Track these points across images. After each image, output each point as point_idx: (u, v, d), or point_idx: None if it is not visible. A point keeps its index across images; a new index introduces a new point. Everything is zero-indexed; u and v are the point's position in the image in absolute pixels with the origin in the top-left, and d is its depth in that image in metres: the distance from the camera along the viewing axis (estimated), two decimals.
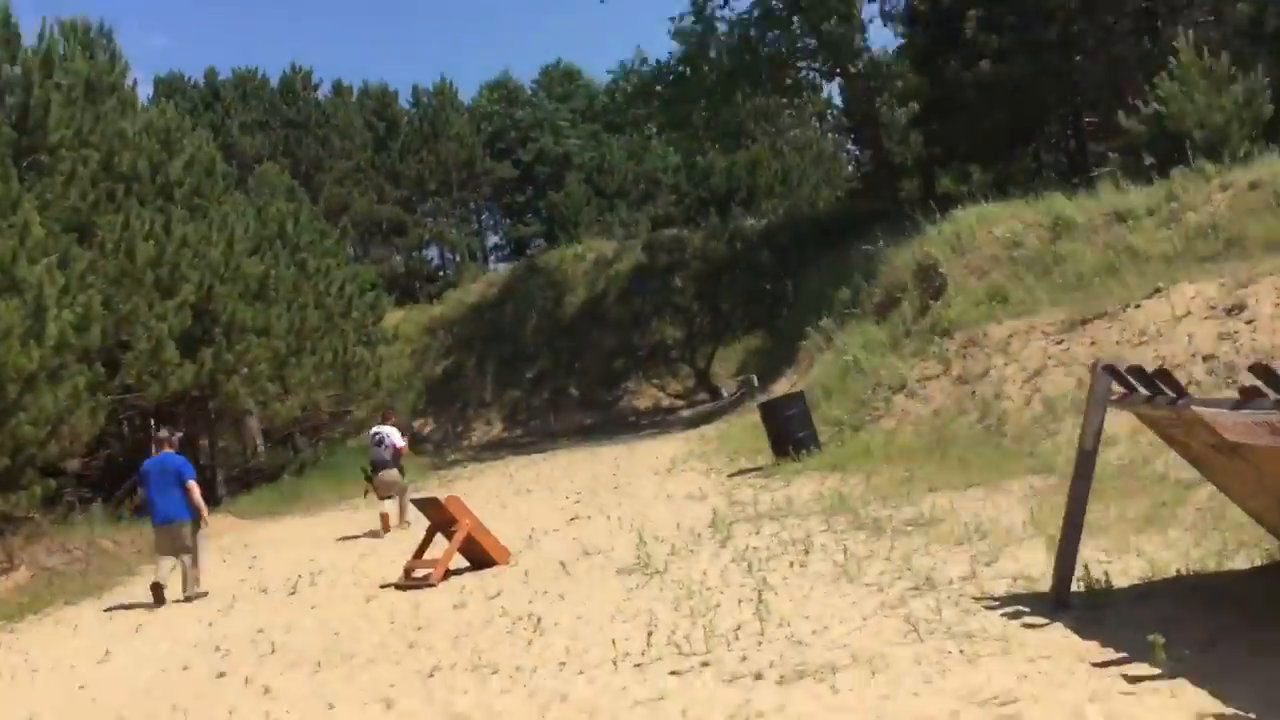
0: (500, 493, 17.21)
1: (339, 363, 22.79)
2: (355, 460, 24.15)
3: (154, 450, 13.02)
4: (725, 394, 29.54)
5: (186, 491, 11.51)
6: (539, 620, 7.38)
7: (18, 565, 14.13)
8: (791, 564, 7.63)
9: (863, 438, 13.27)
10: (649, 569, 8.41)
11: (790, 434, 13.35)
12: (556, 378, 31.77)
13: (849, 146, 62.45)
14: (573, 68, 64.25)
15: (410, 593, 9.56)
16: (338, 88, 58.31)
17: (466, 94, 61.94)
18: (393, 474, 15.34)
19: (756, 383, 22.43)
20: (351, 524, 16.53)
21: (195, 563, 11.61)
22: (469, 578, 9.74)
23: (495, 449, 29.26)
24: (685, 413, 29.06)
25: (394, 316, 33.08)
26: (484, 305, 34.98)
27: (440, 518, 10.19)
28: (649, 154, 57.65)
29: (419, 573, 10.02)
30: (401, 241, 55.89)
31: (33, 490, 14.39)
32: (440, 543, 10.25)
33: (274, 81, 55.12)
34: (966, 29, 21.81)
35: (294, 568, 12.51)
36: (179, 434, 14.38)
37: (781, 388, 21.22)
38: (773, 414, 13.80)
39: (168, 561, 11.46)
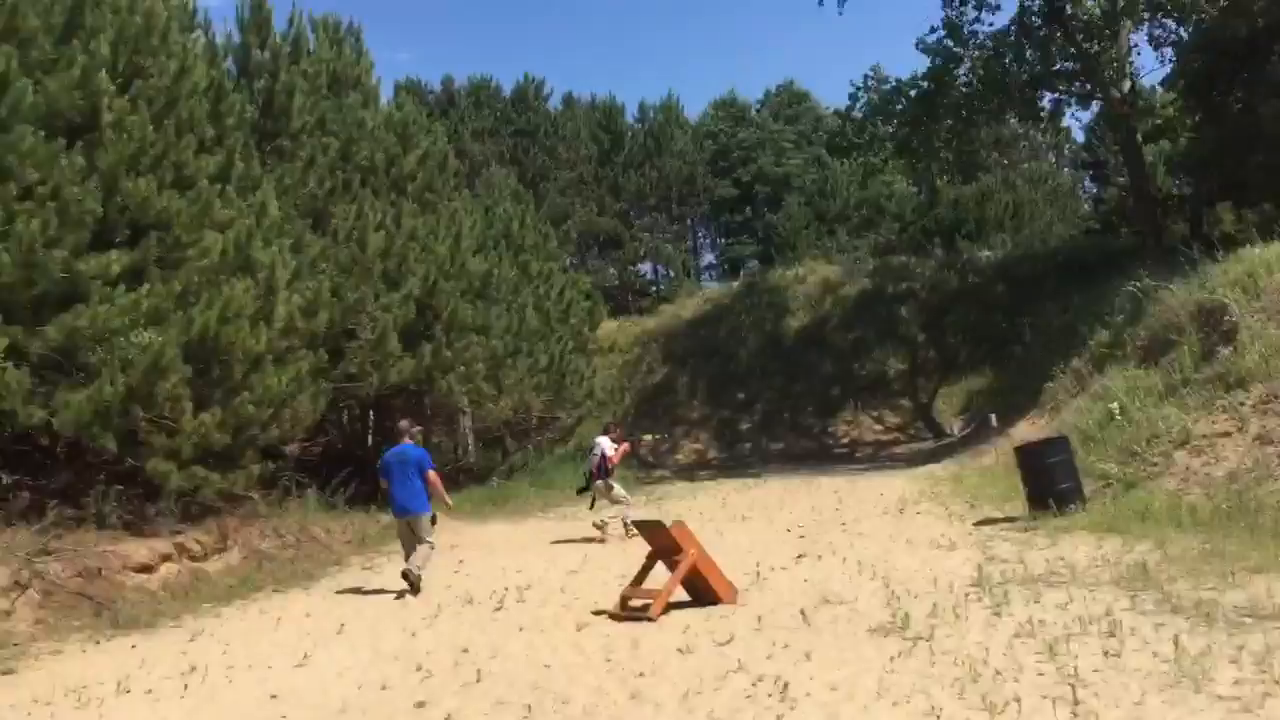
0: (714, 517, 16.18)
1: (554, 368, 22.30)
2: (562, 468, 23.74)
3: (396, 441, 13.02)
4: (948, 432, 27.68)
5: (427, 483, 11.64)
6: (785, 686, 6.24)
7: (231, 546, 13.99)
8: (1105, 653, 6.22)
9: (1139, 496, 11.55)
10: (909, 632, 7.17)
11: (1051, 484, 11.76)
12: (770, 401, 30.56)
13: (1085, 183, 59.19)
14: (800, 90, 63.12)
15: (626, 625, 8.61)
16: (567, 99, 58.89)
17: (693, 111, 61.69)
18: (600, 485, 15.25)
19: (994, 421, 20.63)
20: (561, 531, 15.84)
21: (429, 555, 11.80)
22: (691, 615, 8.70)
23: (701, 468, 28.30)
24: (902, 449, 27.37)
25: (607, 327, 32.69)
26: (699, 321, 34.13)
27: (662, 543, 9.20)
28: (873, 180, 55.91)
29: (636, 601, 9.06)
30: (617, 255, 55.84)
31: (250, 471, 14.24)
32: (660, 572, 9.26)
33: (507, 90, 56.18)
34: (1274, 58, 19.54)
35: (501, 578, 11.82)
36: (419, 427, 14.04)
37: (1021, 432, 19.41)
38: (1032, 459, 12.22)
39: (408, 546, 11.73)
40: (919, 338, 30.98)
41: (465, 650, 8.14)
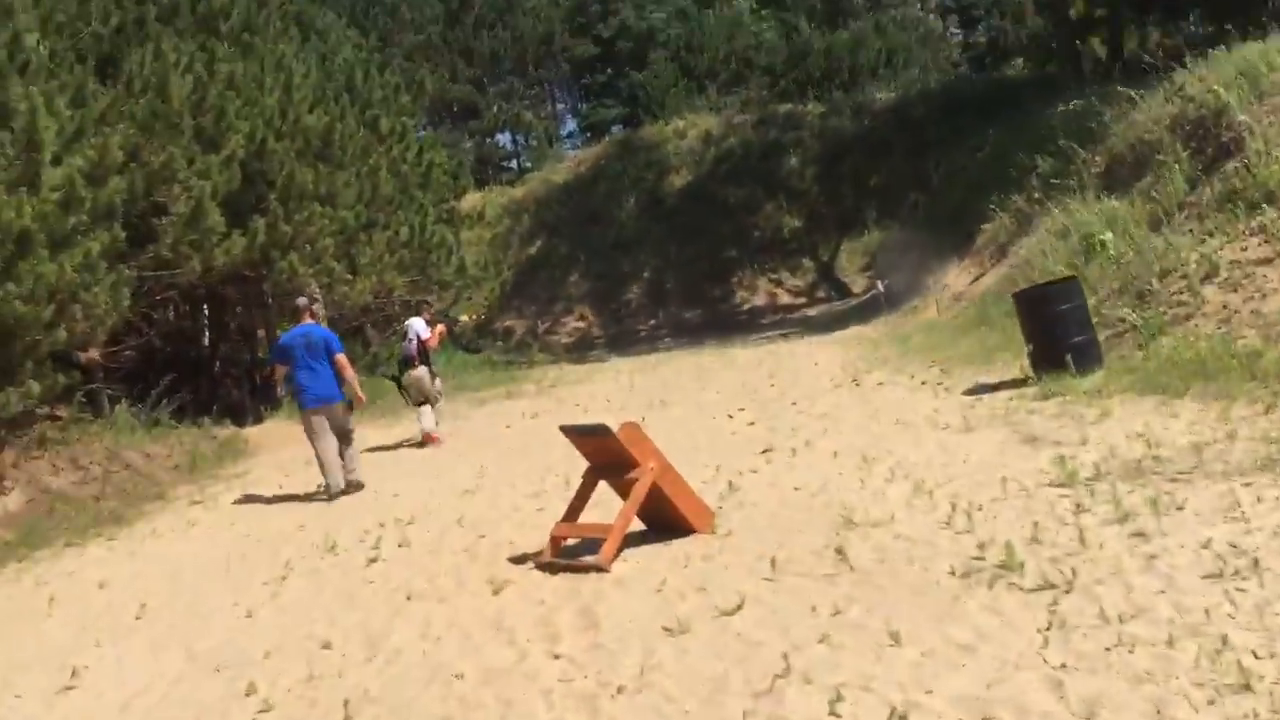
0: (626, 405, 13.49)
1: (417, 242, 19.05)
2: (435, 359, 20.70)
3: (290, 322, 11.94)
4: (855, 291, 25.51)
5: (337, 367, 10.26)
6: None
7: (8, 488, 10.72)
8: None
9: (1173, 345, 9.22)
10: (1029, 578, 4.59)
11: (1065, 336, 9.35)
12: (658, 269, 27.85)
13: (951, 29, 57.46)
14: None
15: (566, 579, 5.87)
16: None
17: None
18: (419, 373, 12.72)
19: (881, 287, 18.57)
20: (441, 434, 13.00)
21: (352, 444, 10.45)
22: (655, 555, 6.01)
23: (588, 347, 25.62)
24: (811, 312, 25.10)
25: (471, 199, 29.26)
26: (573, 186, 30.97)
27: (606, 456, 6.40)
28: (742, 31, 52.84)
29: (574, 540, 6.33)
30: (474, 125, 51.79)
31: (29, 386, 10.88)
32: (607, 500, 6.51)
33: None
34: None
35: (373, 508, 8.96)
36: (318, 302, 13.14)
37: (959, 283, 17.17)
38: (1037, 308, 9.77)
39: (330, 448, 10.15)
40: (813, 191, 28.52)
41: (326, 647, 5.31)
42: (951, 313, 15.82)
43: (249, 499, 10.71)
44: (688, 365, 17.61)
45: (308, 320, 10.66)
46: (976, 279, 16.69)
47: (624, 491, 6.24)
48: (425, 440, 12.81)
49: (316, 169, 16.50)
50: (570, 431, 6.49)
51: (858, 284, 25.89)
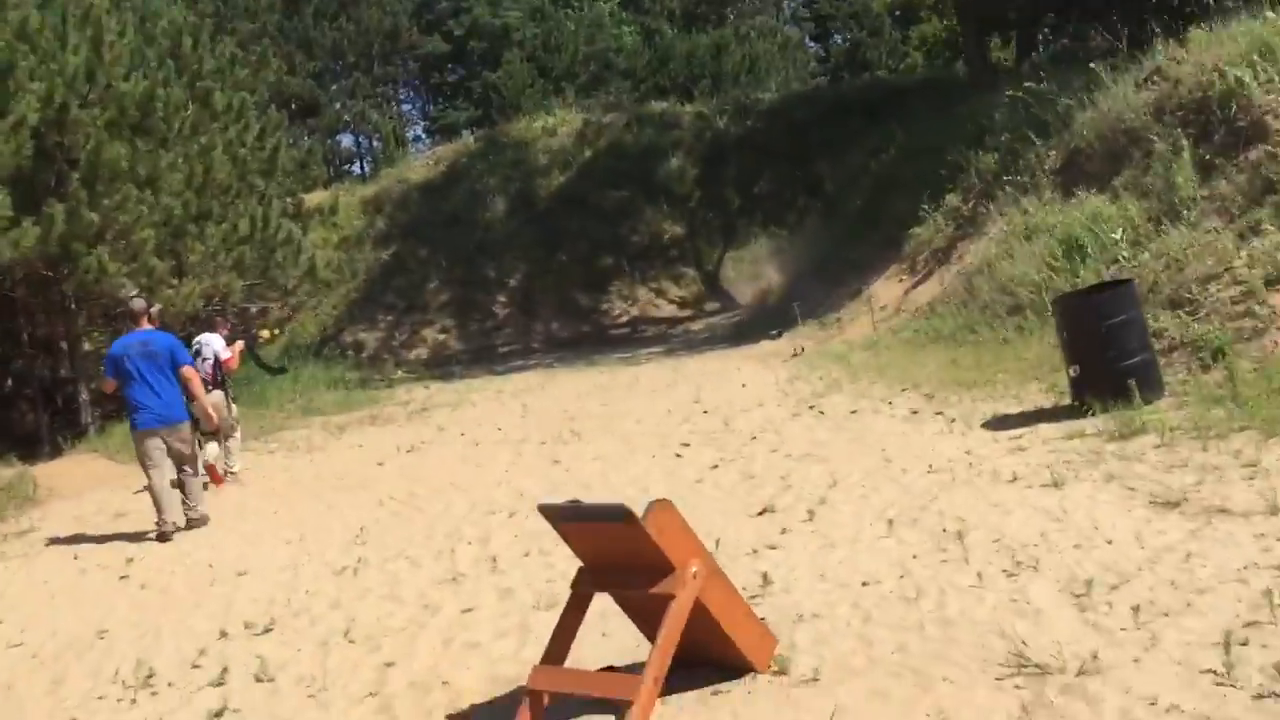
0: (528, 437, 11.04)
1: (258, 238, 16.08)
2: (279, 379, 17.72)
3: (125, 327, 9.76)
4: (742, 303, 23.57)
5: (183, 381, 8.85)
6: None
7: None
8: None
9: (1259, 367, 7.33)
10: None
11: (1119, 357, 7.35)
12: (527, 276, 25.25)
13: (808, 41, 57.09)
14: None
15: None
16: None
17: None
18: (215, 398, 10.12)
19: (797, 311, 16.80)
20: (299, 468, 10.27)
21: (197, 473, 9.11)
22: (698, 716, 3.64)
23: (450, 363, 22.88)
24: (696, 325, 22.99)
25: (317, 197, 26.07)
26: (432, 185, 28.06)
27: (616, 553, 3.91)
28: (601, 33, 50.87)
29: (567, 694, 3.84)
30: (315, 122, 48.19)
31: None
32: (607, 616, 4.07)
33: None
34: None
35: (212, 599, 6.28)
36: (156, 306, 10.39)
37: (889, 294, 15.30)
38: (1082, 320, 7.74)
39: (163, 479, 8.64)
40: (695, 195, 26.48)
41: None
42: (889, 326, 13.89)
43: (28, 576, 7.80)
44: (582, 385, 15.21)
45: (145, 326, 8.96)
46: (912, 288, 14.83)
47: (647, 612, 3.82)
48: (211, 478, 10.25)
49: (133, 145, 13.48)
50: (557, 514, 3.97)
51: (745, 294, 23.94)
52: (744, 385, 12.56)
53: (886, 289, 15.24)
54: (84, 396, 14.23)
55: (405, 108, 57.56)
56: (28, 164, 12.42)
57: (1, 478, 11.16)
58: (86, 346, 15.56)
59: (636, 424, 10.96)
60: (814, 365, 13.01)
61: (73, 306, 14.05)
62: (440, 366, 22.59)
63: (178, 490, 8.75)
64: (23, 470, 11.50)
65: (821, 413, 9.72)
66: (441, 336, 24.86)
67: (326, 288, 19.56)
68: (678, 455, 8.78)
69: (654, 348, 20.08)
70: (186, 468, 8.81)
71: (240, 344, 11.37)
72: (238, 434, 11.07)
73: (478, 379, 18.44)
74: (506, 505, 7.90)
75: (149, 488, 8.68)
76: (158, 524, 8.51)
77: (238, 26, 43.88)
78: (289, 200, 18.72)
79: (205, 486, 10.00)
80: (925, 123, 20.23)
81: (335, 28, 47.86)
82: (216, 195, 15.52)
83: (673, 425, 10.46)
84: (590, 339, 23.34)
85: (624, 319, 24.28)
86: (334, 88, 49.49)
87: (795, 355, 14.26)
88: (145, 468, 8.66)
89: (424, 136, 55.06)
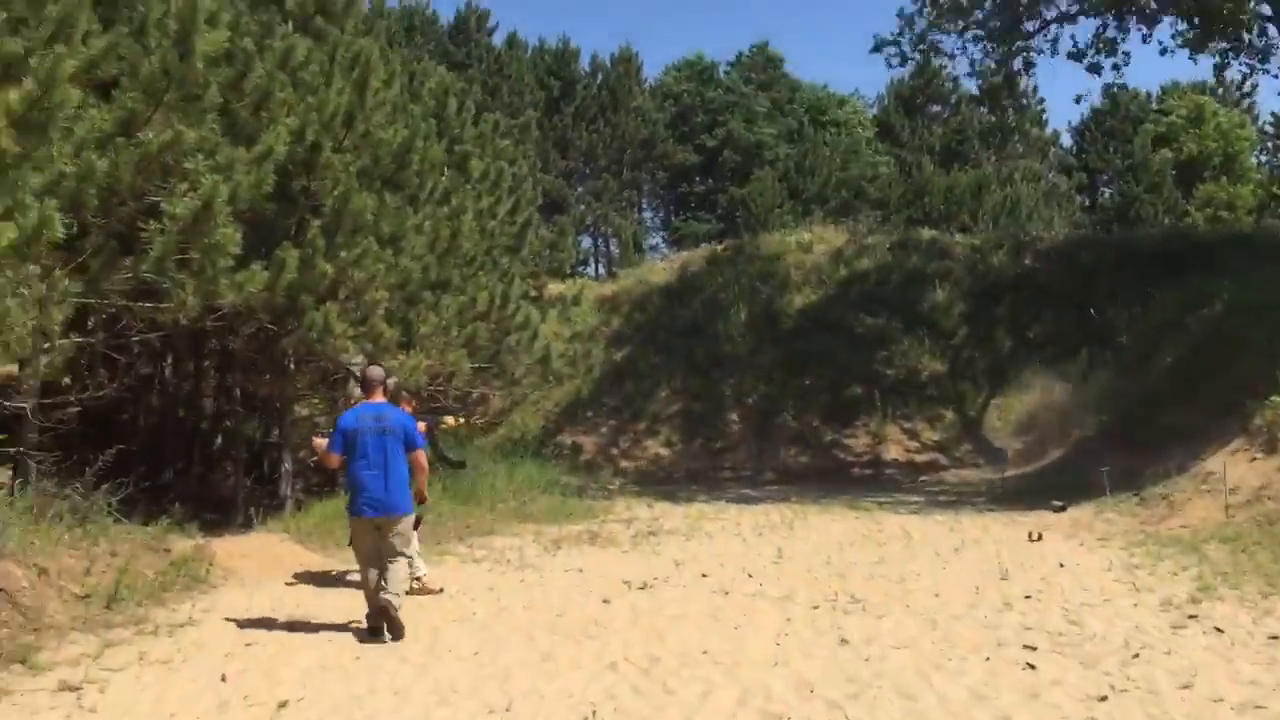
0: (792, 592, 8.72)
1: (494, 317, 14.59)
2: (487, 475, 16.04)
3: (349, 398, 10.14)
4: (1005, 457, 20.60)
5: (414, 468, 7.77)
6: None
7: None
8: None
9: None
10: None
11: None
12: (765, 398, 23.12)
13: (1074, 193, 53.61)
14: (775, 53, 56.01)
15: None
16: (511, 39, 50.56)
17: (651, 71, 54.40)
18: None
19: (1105, 477, 13.88)
20: (503, 583, 8.26)
21: (408, 576, 7.99)
22: None
23: (667, 480, 20.84)
24: (951, 475, 20.19)
25: (555, 287, 24.89)
26: (674, 290, 26.53)
27: None
28: (856, 159, 49.30)
29: None
30: (558, 220, 48.20)
31: None
32: None
33: (446, 19, 48.67)
34: None
35: None
36: (393, 378, 9.37)
37: (1238, 473, 12.30)
38: None
39: (373, 573, 7.65)
40: (961, 331, 23.87)
41: None
42: (1251, 514, 10.93)
43: (158, 697, 6.02)
44: (841, 531, 12.80)
45: (379, 398, 7.93)
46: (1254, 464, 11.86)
47: None
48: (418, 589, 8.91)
49: (382, 198, 12.17)
50: None
51: (1010, 447, 20.95)
52: (1061, 565, 9.89)
53: (1235, 467, 12.24)
54: (287, 465, 12.84)
55: (646, 214, 57.23)
56: (267, 203, 11.23)
57: (179, 551, 9.63)
58: (300, 412, 14.32)
59: (937, 599, 8.48)
60: (1154, 554, 10.19)
61: (291, 366, 12.73)
62: (659, 483, 20.60)
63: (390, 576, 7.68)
64: (203, 545, 9.96)
65: (1219, 630, 7.02)
66: (664, 451, 22.90)
67: (555, 382, 17.97)
68: (1029, 666, 6.26)
69: (911, 496, 17.44)
70: (395, 560, 7.70)
71: (422, 426, 9.57)
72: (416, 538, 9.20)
73: (708, 505, 16.25)
74: (793, 704, 5.61)
75: (363, 580, 7.83)
76: (367, 618, 7.70)
77: (501, 122, 44.87)
78: (530, 283, 17.31)
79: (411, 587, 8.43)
80: (1262, 277, 17.17)
81: (592, 130, 48.09)
82: (459, 265, 14.16)
83: (991, 610, 7.94)
84: (829, 475, 20.86)
85: (866, 458, 21.69)
86: (580, 189, 49.61)
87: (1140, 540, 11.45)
88: (360, 559, 7.86)
89: (661, 245, 54.39)
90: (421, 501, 8.28)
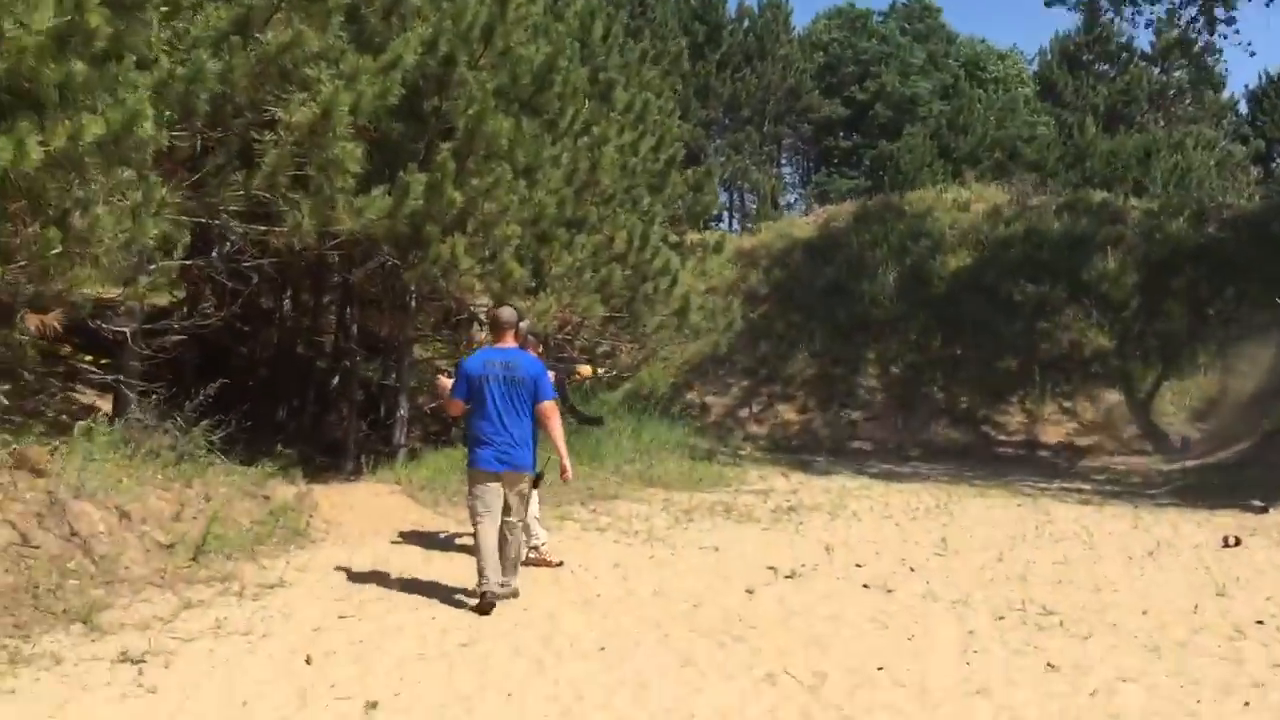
0: (967, 598, 7.40)
1: (632, 260, 13.44)
2: (614, 433, 15.00)
3: (473, 341, 9.43)
4: (1177, 446, 18.71)
5: (543, 420, 6.85)
6: None
7: None
8: None
9: None
10: None
11: None
12: (912, 367, 21.57)
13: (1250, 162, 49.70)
14: (932, 4, 53.30)
15: None
16: None
17: (800, 20, 52.46)
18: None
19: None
20: (630, 557, 7.16)
21: (528, 535, 7.42)
22: None
23: (800, 449, 19.54)
24: (1118, 462, 18.34)
25: (694, 237, 23.59)
26: (818, 246, 25.01)
27: None
28: (1014, 118, 46.59)
29: None
30: (694, 172, 46.76)
31: None
32: None
33: None
34: None
35: None
36: (529, 319, 8.59)
37: None
38: None
39: (493, 535, 6.76)
40: (1132, 304, 21.82)
41: None
42: None
43: (231, 678, 5.08)
44: (1006, 521, 11.34)
45: (510, 342, 7.02)
46: None
47: None
48: (535, 560, 8.01)
49: (518, 123, 11.05)
50: None
51: (1183, 436, 19.03)
52: None
53: None
54: (403, 411, 11.95)
55: (786, 170, 55.30)
56: (393, 122, 10.25)
57: (279, 498, 8.78)
58: (421, 354, 13.45)
59: (1146, 618, 7.05)
60: None
61: (412, 304, 11.80)
62: (792, 451, 19.32)
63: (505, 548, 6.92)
64: (305, 492, 9.10)
65: None
66: (798, 416, 21.54)
67: (691, 336, 16.76)
68: None
69: (1075, 483, 15.78)
70: (513, 522, 6.93)
71: (553, 376, 8.39)
72: (535, 500, 8.12)
73: (849, 479, 14.91)
74: None
75: (475, 542, 6.86)
76: (479, 588, 6.74)
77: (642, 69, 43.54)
78: (669, 229, 16.08)
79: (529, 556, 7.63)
80: None
81: (736, 79, 46.36)
82: (596, 202, 13.02)
83: (1221, 638, 6.49)
84: (977, 453, 19.27)
85: (1020, 437, 19.97)
86: (718, 140, 48.03)
87: None
88: (474, 516, 6.84)
89: (799, 203, 52.49)
90: (563, 476, 7.15)
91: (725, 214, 51.70)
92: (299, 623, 6.18)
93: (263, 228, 9.25)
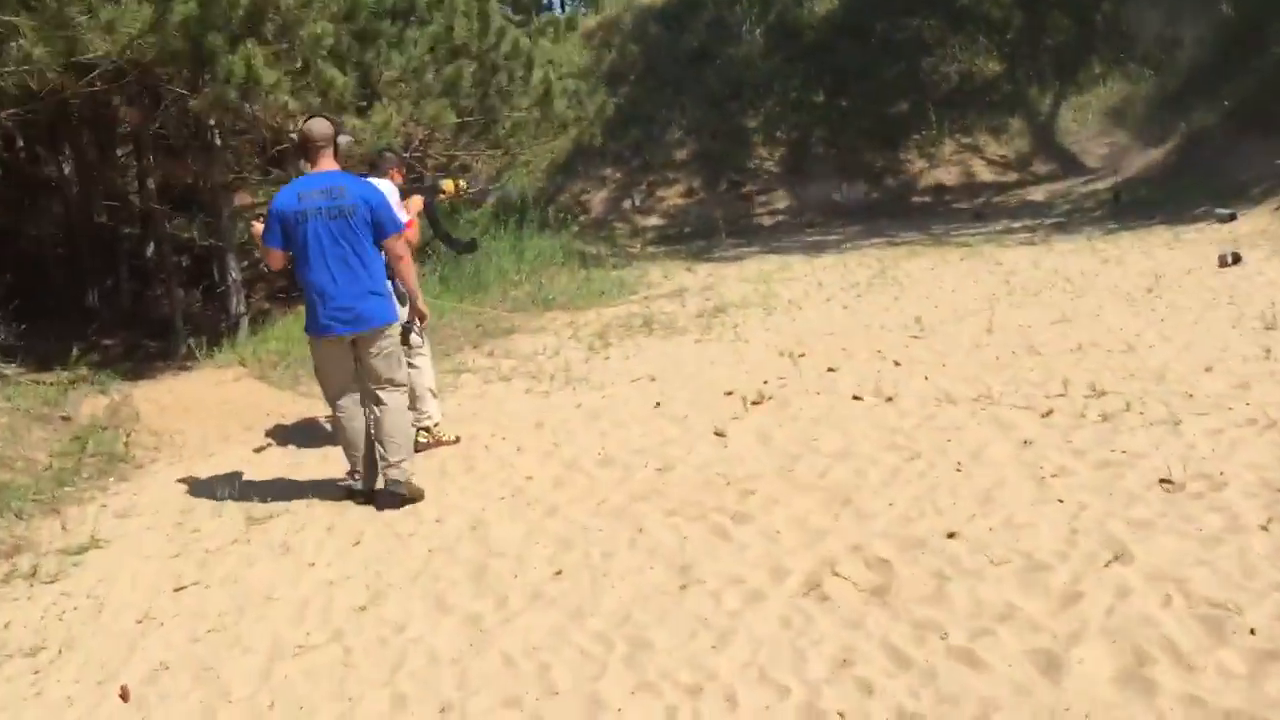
0: (988, 393, 5.84)
1: (476, 48, 11.11)
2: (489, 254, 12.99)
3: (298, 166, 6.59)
4: (1088, 165, 17.57)
5: (390, 258, 5.26)
6: None
7: None
8: None
9: None
10: None
11: None
12: (797, 128, 19.74)
13: None
14: None
15: None
16: None
17: None
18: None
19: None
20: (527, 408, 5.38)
21: (413, 404, 5.74)
22: None
23: (695, 235, 17.82)
24: (1038, 194, 17.08)
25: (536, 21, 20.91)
26: (671, 13, 22.58)
27: None
28: None
29: None
30: None
31: None
32: None
33: None
34: None
35: None
36: (347, 134, 5.76)
37: None
38: None
39: (358, 415, 5.31)
40: (1016, 21, 20.17)
41: None
42: None
43: (33, 696, 3.15)
44: (948, 279, 9.92)
45: (327, 164, 5.15)
46: None
47: None
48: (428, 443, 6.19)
49: None
50: None
51: (1092, 154, 17.85)
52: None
53: None
54: (234, 274, 9.73)
55: None
56: None
57: (86, 415, 6.70)
58: (244, 200, 11.09)
59: (1232, 381, 5.60)
60: None
61: (215, 140, 9.41)
62: (687, 240, 17.58)
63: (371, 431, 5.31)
64: (122, 399, 7.02)
65: None
66: (685, 201, 19.69)
67: (560, 129, 14.53)
68: None
69: (1007, 222, 14.50)
70: (387, 393, 5.26)
71: (417, 201, 6.40)
72: (425, 356, 6.24)
73: (763, 261, 13.28)
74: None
75: (333, 428, 5.58)
76: (349, 478, 5.41)
77: None
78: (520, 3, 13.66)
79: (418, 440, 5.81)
80: None
81: None
82: None
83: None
84: (884, 209, 17.79)
85: (925, 184, 18.53)
86: None
87: None
88: (326, 390, 5.38)
89: None
90: (421, 319, 5.41)
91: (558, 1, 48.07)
92: (118, 613, 4.28)
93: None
